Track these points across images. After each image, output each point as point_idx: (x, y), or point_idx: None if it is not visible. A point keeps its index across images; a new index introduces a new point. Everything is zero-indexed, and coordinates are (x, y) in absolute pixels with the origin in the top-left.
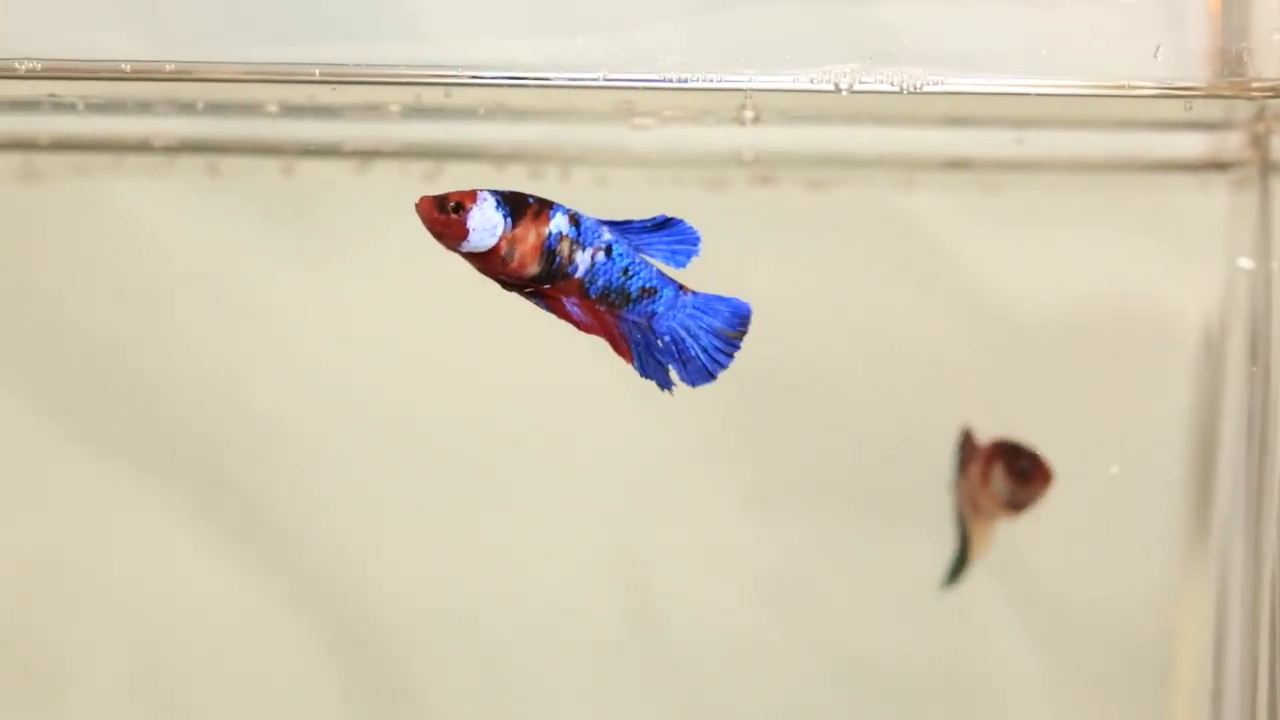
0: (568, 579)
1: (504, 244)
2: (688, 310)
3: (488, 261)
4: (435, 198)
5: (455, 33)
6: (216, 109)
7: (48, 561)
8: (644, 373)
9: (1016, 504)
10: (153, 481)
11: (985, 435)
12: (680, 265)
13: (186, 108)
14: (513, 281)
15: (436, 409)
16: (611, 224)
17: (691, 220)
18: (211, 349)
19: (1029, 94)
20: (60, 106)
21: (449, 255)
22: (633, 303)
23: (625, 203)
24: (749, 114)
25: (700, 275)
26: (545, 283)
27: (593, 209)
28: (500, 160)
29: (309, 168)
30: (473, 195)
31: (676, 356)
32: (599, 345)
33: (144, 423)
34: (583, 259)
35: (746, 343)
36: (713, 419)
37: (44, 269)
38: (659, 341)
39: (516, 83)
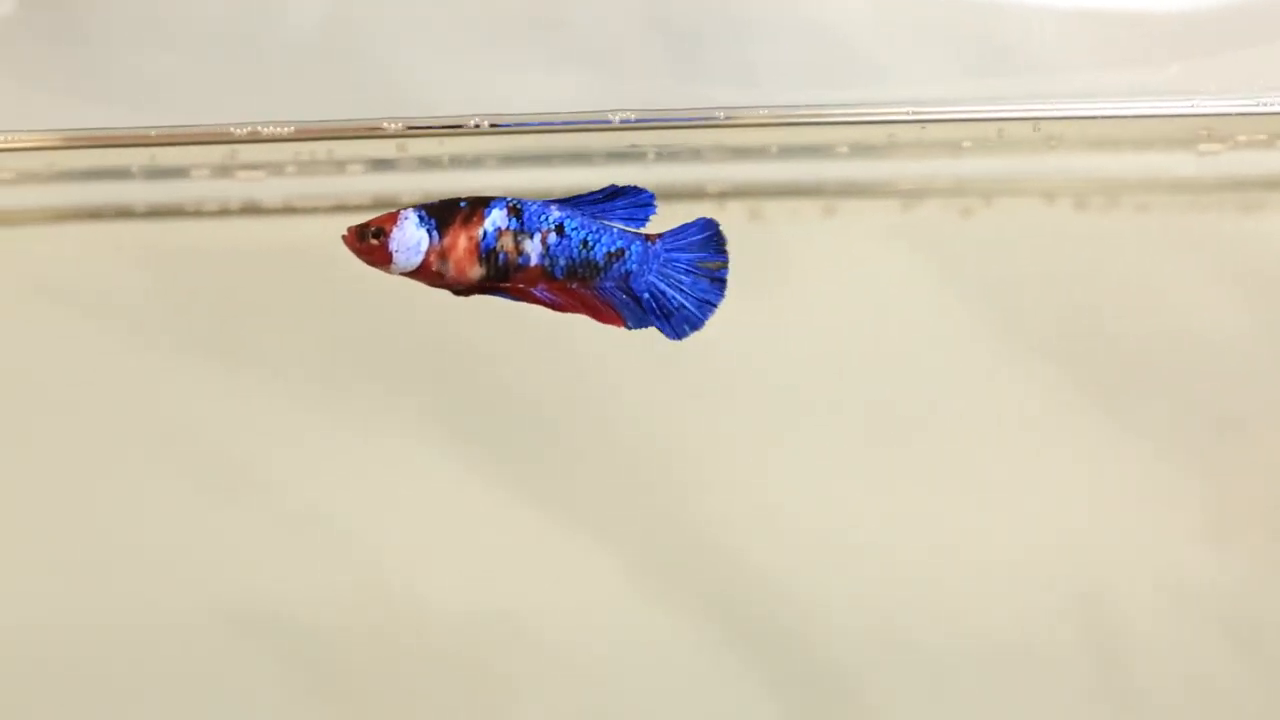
0: (1024, 616)
1: (433, 258)
2: (661, 259)
3: (425, 276)
4: (358, 227)
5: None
6: (549, 159)
7: (483, 606)
8: (640, 326)
9: None
10: (563, 522)
11: None
12: (641, 222)
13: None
14: (462, 288)
15: (862, 427)
16: (560, 202)
17: None
18: (620, 388)
19: None
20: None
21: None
22: (604, 270)
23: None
24: None
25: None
26: (502, 280)
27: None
28: (1050, 194)
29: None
30: (394, 217)
31: (658, 313)
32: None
33: (555, 463)
34: (533, 246)
35: (1199, 374)
36: (1169, 449)
37: (451, 314)
38: (640, 300)
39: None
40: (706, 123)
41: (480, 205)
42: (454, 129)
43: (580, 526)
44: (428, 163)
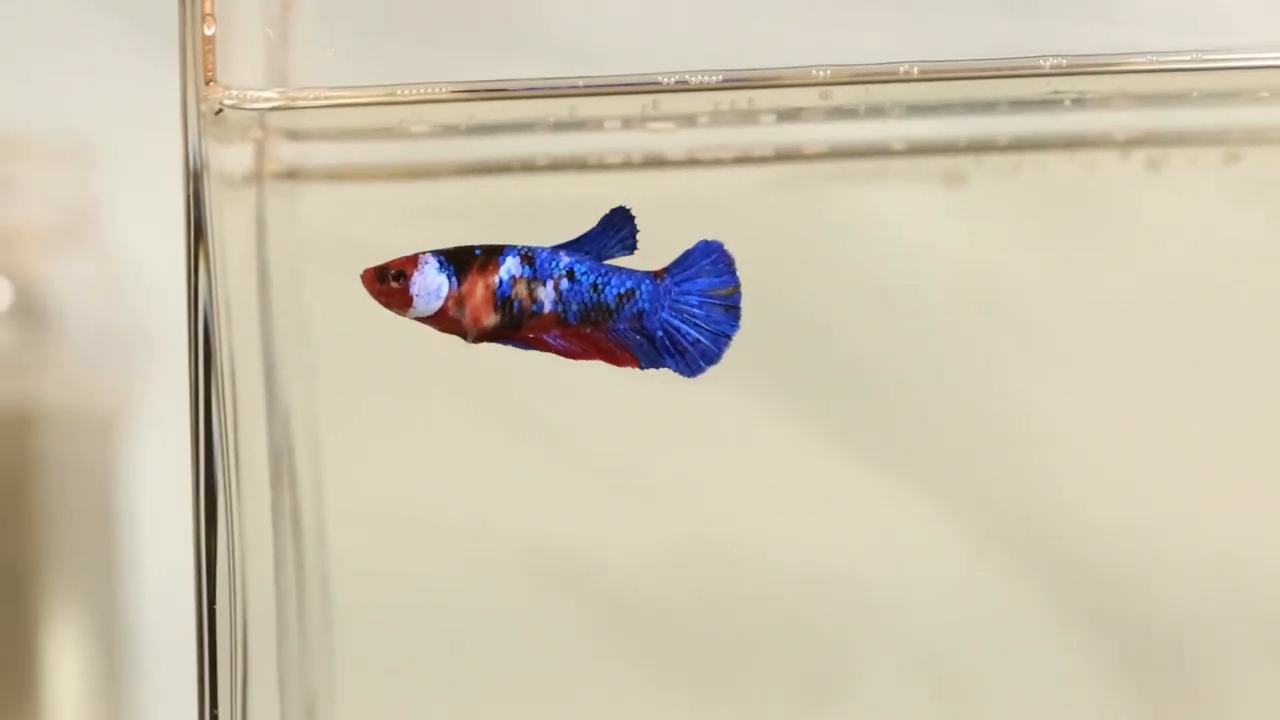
0: None
1: (451, 304)
2: (672, 294)
3: (440, 322)
4: (377, 269)
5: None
6: (950, 108)
7: (823, 566)
8: (653, 365)
9: None
10: (903, 485)
11: None
12: (632, 249)
13: (926, 110)
14: (475, 335)
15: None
16: (567, 247)
17: None
18: (962, 351)
19: None
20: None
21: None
22: (615, 312)
23: None
24: None
25: None
26: (514, 328)
27: None
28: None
29: (1036, 162)
30: (414, 261)
31: (672, 350)
32: None
33: (894, 426)
34: (546, 293)
35: None
36: None
37: (800, 277)
38: (654, 339)
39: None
40: (1136, 67)
41: (494, 253)
42: (881, 78)
43: (918, 488)
44: (841, 112)
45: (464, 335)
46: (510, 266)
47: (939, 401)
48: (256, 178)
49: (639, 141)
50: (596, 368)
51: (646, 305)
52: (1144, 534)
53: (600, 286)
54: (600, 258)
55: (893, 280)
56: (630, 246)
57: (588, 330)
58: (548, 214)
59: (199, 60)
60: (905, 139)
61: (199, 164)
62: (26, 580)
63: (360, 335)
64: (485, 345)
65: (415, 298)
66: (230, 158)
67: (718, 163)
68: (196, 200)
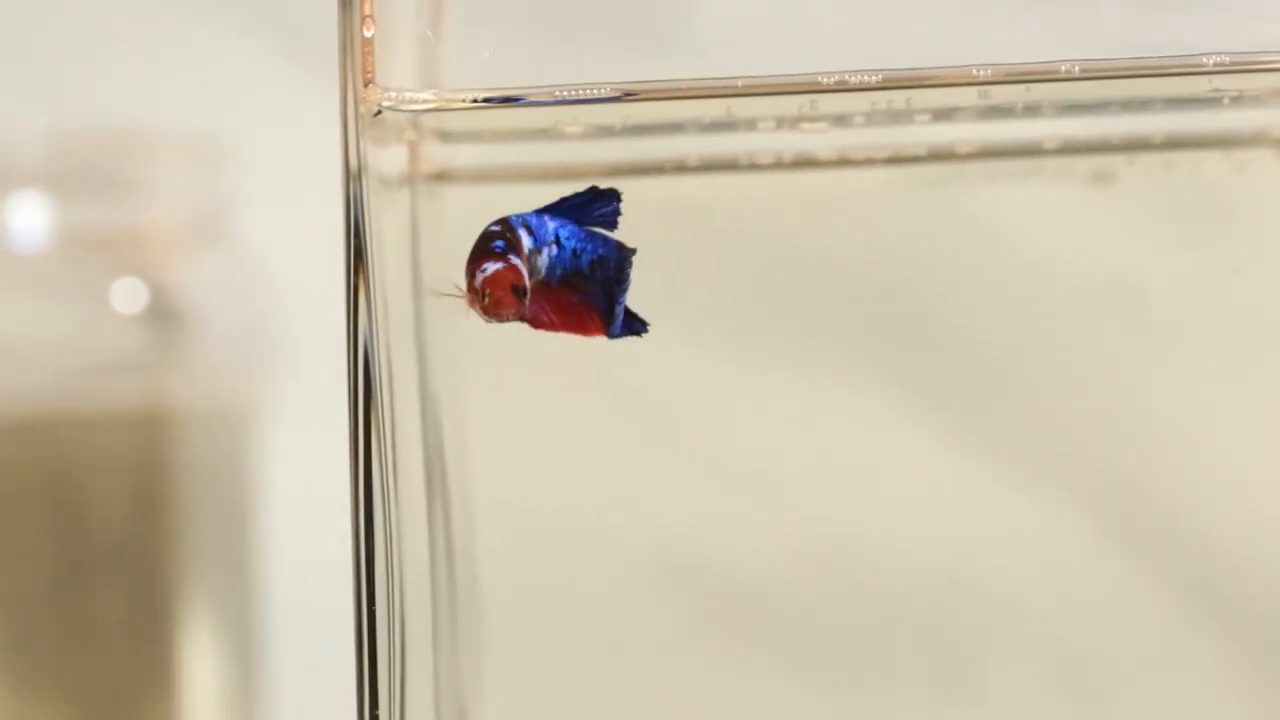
0: None
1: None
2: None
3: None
4: (512, 290)
5: None
6: (1106, 107)
7: (949, 566)
8: (617, 335)
9: None
10: (1040, 487)
11: None
12: (613, 227)
13: (1081, 108)
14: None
15: None
16: (551, 210)
17: None
18: (1103, 352)
19: None
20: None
21: None
22: (588, 279)
23: None
24: None
25: None
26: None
27: None
28: None
29: (1190, 161)
30: (517, 271)
31: (627, 322)
32: None
33: (1030, 426)
34: (542, 261)
35: None
36: None
37: (944, 276)
38: (614, 310)
39: None
40: None
41: (510, 229)
42: (1042, 76)
43: (1050, 488)
44: (997, 111)
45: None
46: (528, 242)
47: (1078, 403)
48: (410, 180)
49: (791, 141)
50: (731, 366)
51: (613, 273)
52: (1269, 531)
53: (579, 251)
54: (580, 224)
55: (1037, 280)
56: (611, 225)
57: (566, 294)
58: (696, 214)
59: (358, 62)
60: (1058, 137)
61: (359, 165)
62: (161, 579)
63: (506, 337)
64: (622, 347)
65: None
66: (385, 159)
67: (869, 162)
68: (356, 202)
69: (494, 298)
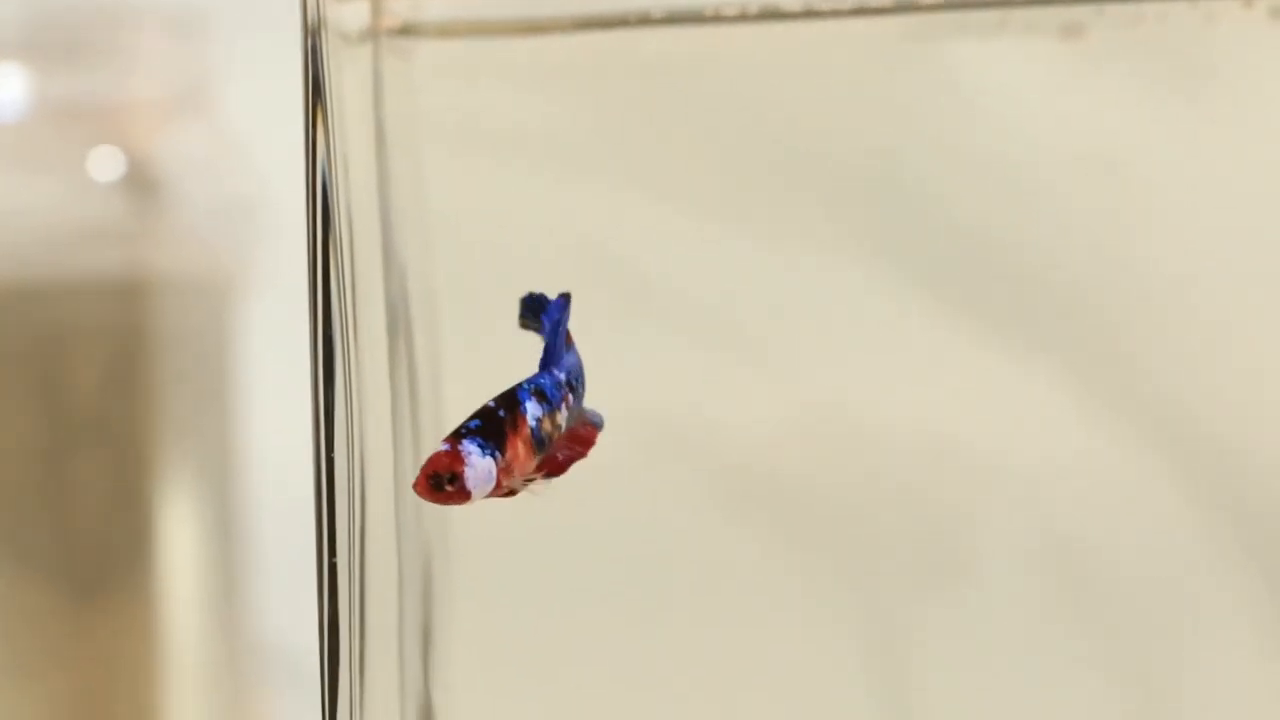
0: None
1: (503, 477)
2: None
3: (497, 492)
4: (429, 477)
5: None
6: None
7: (944, 439)
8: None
9: None
10: (1031, 354)
11: None
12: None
13: None
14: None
15: None
16: (544, 363)
17: None
18: (1080, 214)
19: None
20: None
21: None
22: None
23: None
24: None
25: None
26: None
27: None
28: None
29: (1158, 12)
30: (458, 456)
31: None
32: None
33: (1011, 291)
34: (564, 417)
35: None
36: None
37: (912, 133)
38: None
39: None
40: None
41: (513, 405)
42: None
43: (1038, 359)
44: None
45: (512, 494)
46: (533, 411)
47: (1056, 266)
48: (373, 34)
49: None
50: (697, 224)
51: (580, 388)
52: (1275, 401)
53: (575, 386)
54: (560, 354)
55: (1010, 136)
56: (565, 334)
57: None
58: (663, 68)
59: None
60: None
61: (317, 20)
62: (141, 448)
63: (475, 192)
64: (597, 212)
65: (473, 491)
66: (347, 15)
67: (835, 14)
68: (314, 56)
69: (419, 483)
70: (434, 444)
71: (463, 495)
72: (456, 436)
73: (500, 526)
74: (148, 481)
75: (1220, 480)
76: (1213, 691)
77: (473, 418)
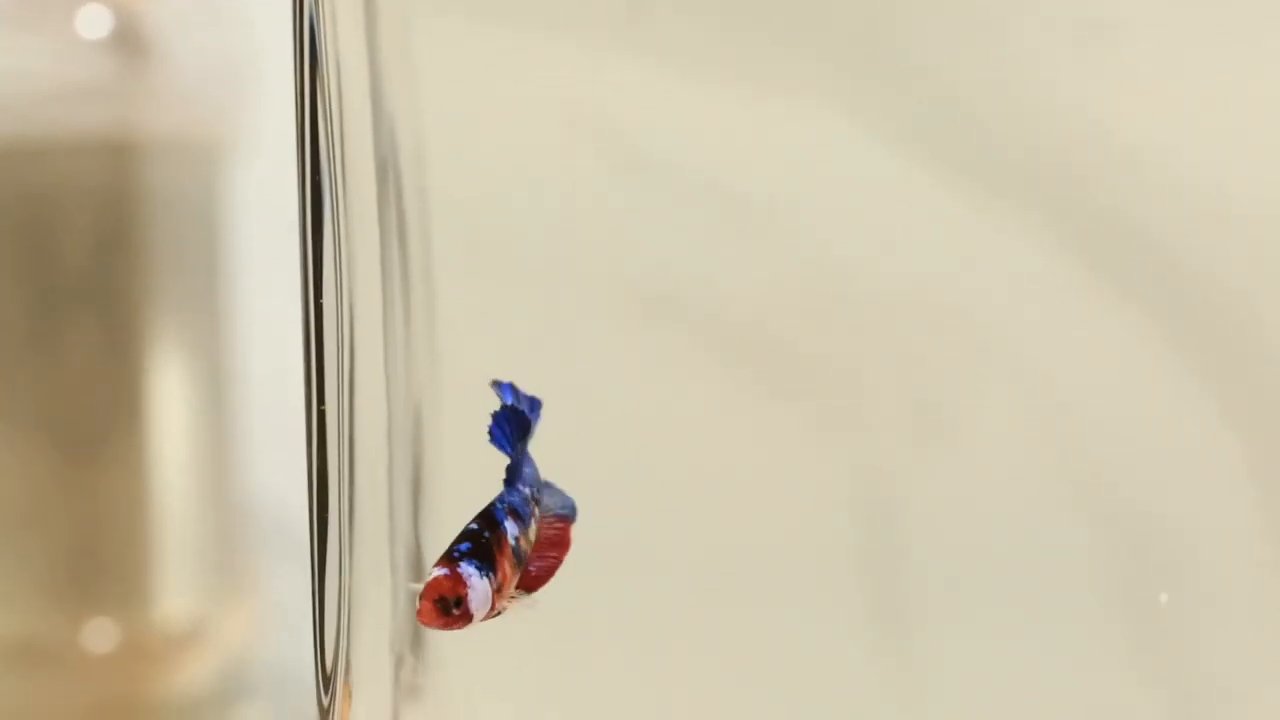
0: None
1: (496, 599)
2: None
3: (490, 615)
4: (436, 603)
5: None
6: None
7: (944, 304)
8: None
9: None
10: (1034, 220)
11: None
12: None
13: None
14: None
15: None
16: (511, 474)
17: None
18: (1069, 79)
19: None
20: None
21: None
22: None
23: None
24: None
25: None
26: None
27: None
28: None
29: None
30: (460, 580)
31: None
32: None
33: (1025, 158)
34: (535, 530)
35: None
36: None
37: None
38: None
39: None
40: None
41: (494, 525)
42: None
43: (1031, 220)
44: None
45: (499, 614)
46: (512, 530)
47: (1067, 132)
48: None
49: None
50: (689, 81)
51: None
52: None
53: (539, 493)
54: (523, 470)
55: None
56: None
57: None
58: None
59: None
60: None
61: None
62: (131, 307)
63: (463, 44)
64: (587, 71)
65: (475, 613)
66: None
67: None
68: None
69: (424, 609)
70: (425, 294)
71: (466, 619)
72: (451, 560)
73: (487, 374)
74: (137, 340)
75: (1224, 347)
76: (1212, 559)
77: (461, 540)
